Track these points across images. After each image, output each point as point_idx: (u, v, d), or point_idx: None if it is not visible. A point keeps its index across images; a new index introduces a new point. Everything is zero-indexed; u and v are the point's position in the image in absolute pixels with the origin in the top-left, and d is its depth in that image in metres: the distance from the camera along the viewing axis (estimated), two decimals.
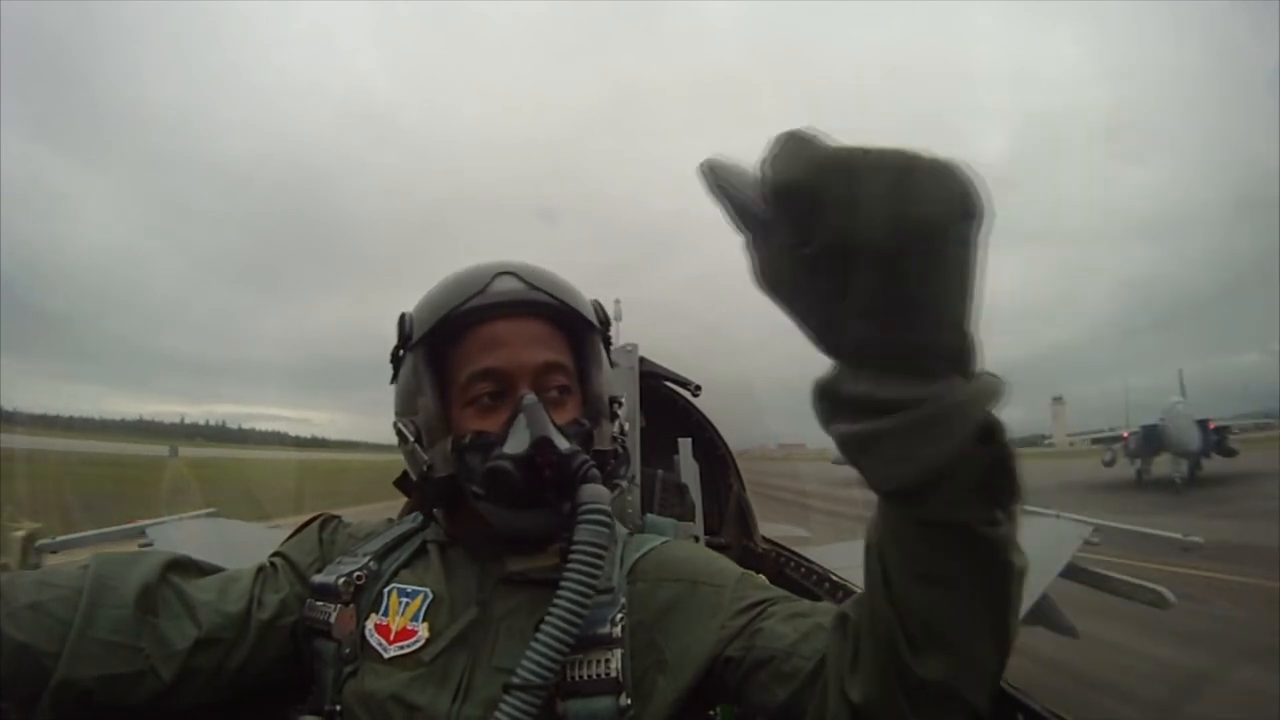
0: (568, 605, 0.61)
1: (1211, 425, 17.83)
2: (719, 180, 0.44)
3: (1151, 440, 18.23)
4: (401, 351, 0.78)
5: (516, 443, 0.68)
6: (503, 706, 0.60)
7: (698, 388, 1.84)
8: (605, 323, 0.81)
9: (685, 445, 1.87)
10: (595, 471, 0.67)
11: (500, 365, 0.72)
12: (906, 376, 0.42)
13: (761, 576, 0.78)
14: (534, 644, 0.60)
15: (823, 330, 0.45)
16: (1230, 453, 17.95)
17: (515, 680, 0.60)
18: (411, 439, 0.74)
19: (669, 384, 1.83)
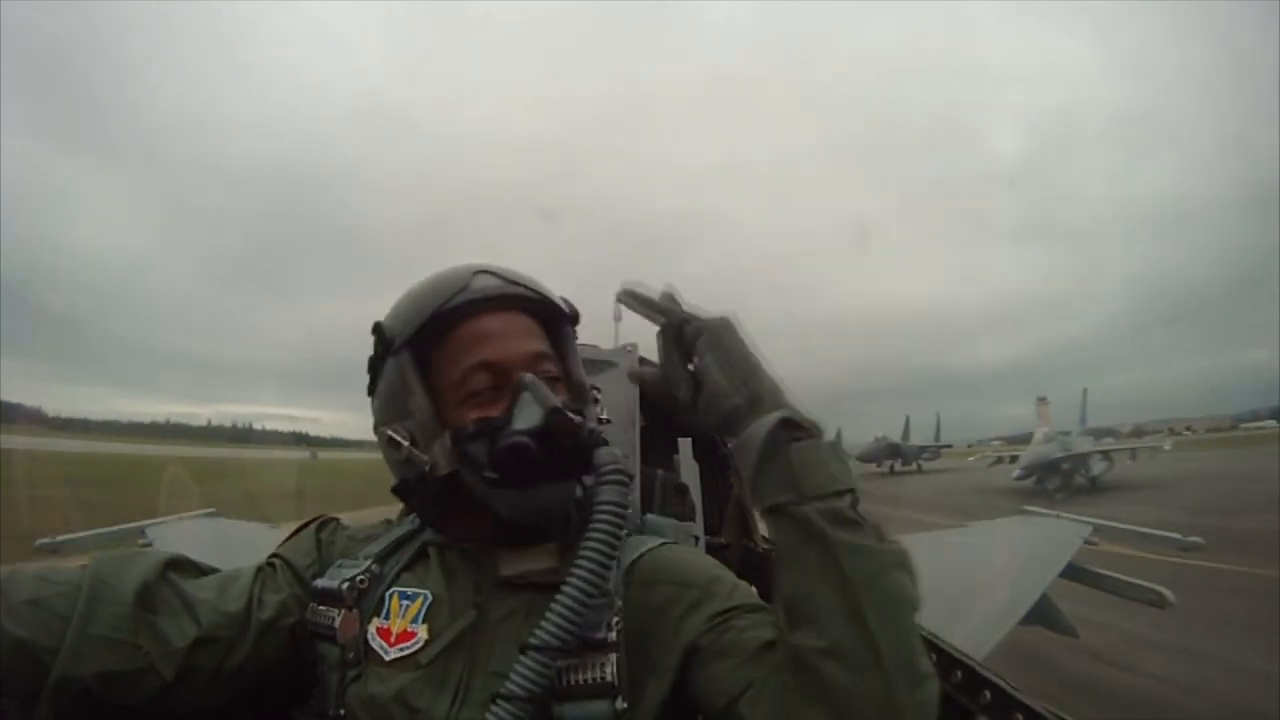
0: (580, 584, 0.64)
1: None
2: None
3: None
4: (384, 359, 0.76)
5: (527, 418, 0.69)
6: (488, 716, 0.60)
7: None
8: (575, 316, 0.83)
9: (685, 445, 1.87)
10: (604, 438, 0.71)
11: (496, 357, 0.73)
12: (736, 430, 0.66)
13: (753, 589, 0.76)
14: (556, 614, 0.63)
15: (714, 428, 0.74)
16: None
17: (504, 689, 0.61)
18: (405, 444, 0.74)
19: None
